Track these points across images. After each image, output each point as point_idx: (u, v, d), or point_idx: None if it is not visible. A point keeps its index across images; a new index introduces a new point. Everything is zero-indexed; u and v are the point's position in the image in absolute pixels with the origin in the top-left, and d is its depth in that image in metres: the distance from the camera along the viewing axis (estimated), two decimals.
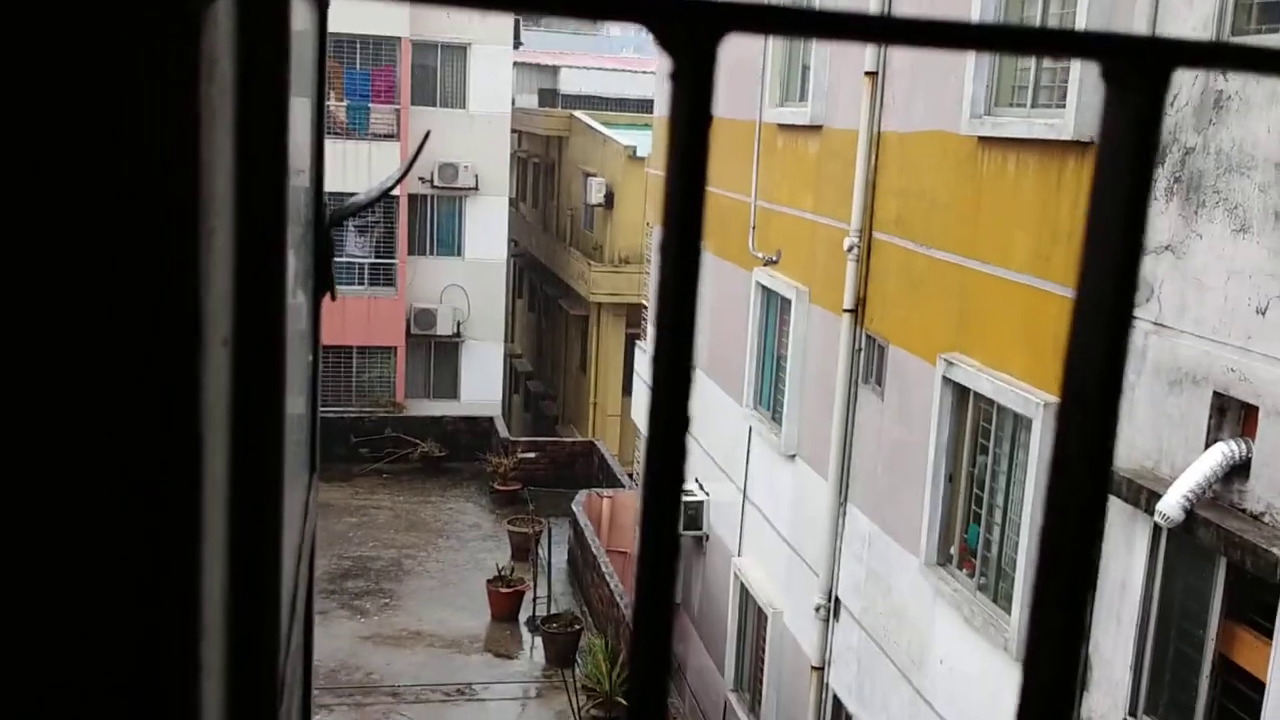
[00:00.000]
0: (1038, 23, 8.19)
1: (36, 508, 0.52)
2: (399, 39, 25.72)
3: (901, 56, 10.02)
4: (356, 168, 25.07)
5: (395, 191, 25.37)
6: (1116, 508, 7.00)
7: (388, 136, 25.71)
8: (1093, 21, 7.31)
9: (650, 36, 0.41)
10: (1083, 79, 7.38)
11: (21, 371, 0.51)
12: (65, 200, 0.49)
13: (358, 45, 25.73)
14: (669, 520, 0.45)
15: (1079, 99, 7.40)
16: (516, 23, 27.81)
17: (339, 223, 1.71)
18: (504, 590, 17.66)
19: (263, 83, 0.72)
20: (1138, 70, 0.45)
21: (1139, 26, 6.90)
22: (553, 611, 17.23)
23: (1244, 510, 6.12)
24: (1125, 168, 0.45)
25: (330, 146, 27.12)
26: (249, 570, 0.83)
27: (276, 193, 0.79)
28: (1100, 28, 7.23)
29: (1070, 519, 0.47)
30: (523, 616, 17.73)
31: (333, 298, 1.66)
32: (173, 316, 0.51)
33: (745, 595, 13.36)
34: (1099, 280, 0.47)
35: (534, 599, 17.53)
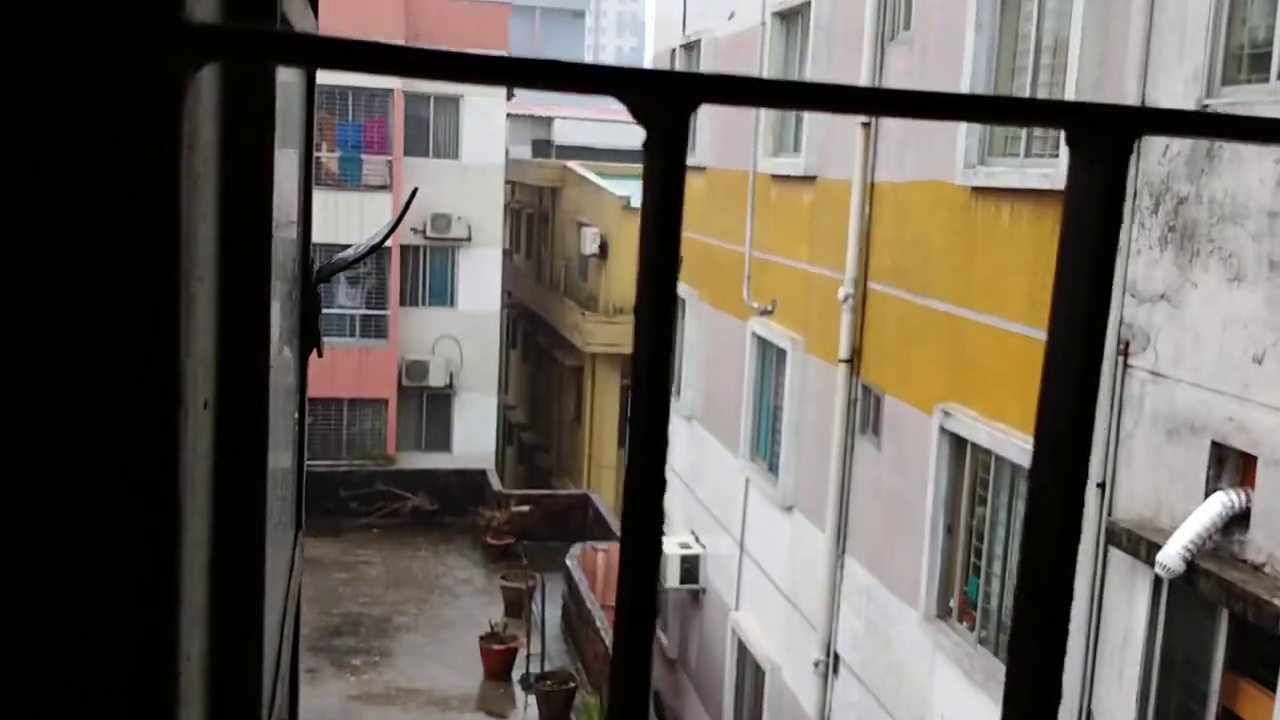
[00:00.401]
0: (1029, 75, 8.25)
1: (12, 567, 0.52)
2: (391, 90, 25.91)
3: None
4: (348, 219, 25.13)
5: (387, 243, 25.42)
6: (1117, 559, 6.93)
7: (380, 187, 25.81)
8: (1084, 74, 7.36)
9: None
10: None
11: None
12: (47, 264, 0.50)
13: (350, 96, 25.91)
14: (649, 573, 0.45)
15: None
16: None
17: (326, 279, 1.68)
18: (497, 647, 17.45)
19: (247, 149, 0.73)
20: (1101, 138, 0.47)
21: (1130, 79, 6.94)
22: (547, 669, 17.02)
23: (1245, 561, 6.06)
24: (1091, 233, 0.47)
25: (322, 197, 27.33)
26: (231, 633, 0.81)
27: (260, 257, 0.80)
28: (1092, 80, 7.28)
29: (1046, 562, 0.49)
30: (516, 674, 17.51)
31: (319, 354, 1.62)
32: (152, 381, 0.52)
33: (743, 650, 13.20)
34: (1067, 341, 0.48)
35: (527, 656, 17.32)
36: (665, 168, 0.41)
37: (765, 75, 12.71)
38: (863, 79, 10.35)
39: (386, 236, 2.10)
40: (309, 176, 1.70)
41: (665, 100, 0.41)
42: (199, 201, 0.60)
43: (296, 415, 1.60)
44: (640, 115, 0.41)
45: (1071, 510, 0.49)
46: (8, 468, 0.51)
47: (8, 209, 0.49)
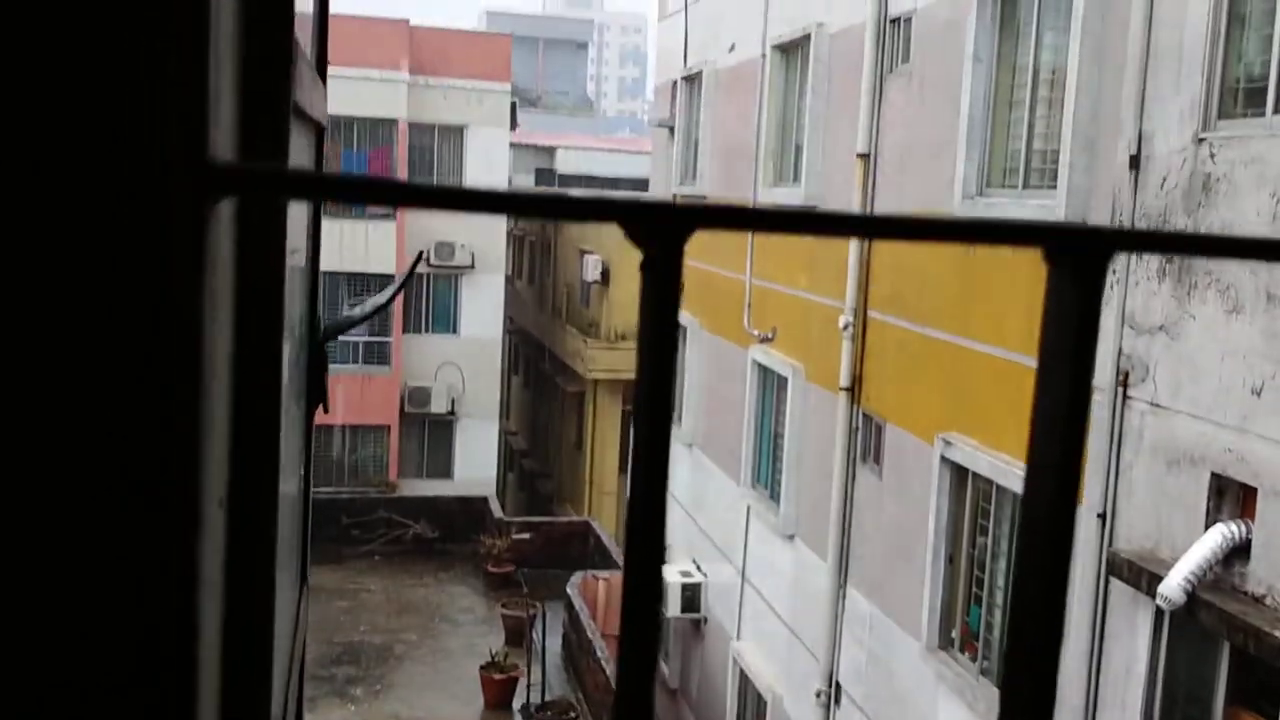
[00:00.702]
0: (1027, 108, 8.30)
1: (33, 661, 0.54)
2: (396, 121, 26.05)
3: (893, 138, 10.15)
4: (353, 247, 25.22)
5: (391, 270, 25.49)
6: (1118, 590, 6.93)
7: (384, 216, 25.91)
8: (1081, 106, 7.41)
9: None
10: (1073, 161, 7.46)
11: (26, 530, 0.53)
12: (80, 384, 0.53)
13: (355, 126, 26.05)
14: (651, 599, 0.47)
15: (1070, 180, 7.47)
16: (513, 104, 28.20)
17: (332, 337, 1.71)
18: (497, 676, 17.38)
19: (260, 259, 0.76)
20: (1079, 257, 0.49)
21: (1126, 111, 6.99)
22: (547, 699, 16.95)
23: (1245, 592, 6.06)
24: (1070, 344, 0.49)
25: (327, 225, 27.26)
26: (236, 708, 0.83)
27: (271, 357, 0.82)
28: (1088, 112, 7.34)
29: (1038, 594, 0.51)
30: (516, 704, 17.43)
31: (325, 410, 1.64)
32: (171, 491, 0.54)
33: (744, 680, 13.16)
34: (1047, 450, 0.50)
35: (528, 685, 17.25)
36: (661, 290, 0.44)
37: (765, 108, 12.79)
38: (862, 112, 10.42)
39: (392, 299, 2.14)
40: (318, 230, 1.73)
41: (661, 227, 0.44)
42: (217, 316, 0.64)
43: (302, 473, 1.62)
44: (638, 239, 0.44)
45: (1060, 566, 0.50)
46: (28, 572, 0.53)
47: (47, 326, 0.52)
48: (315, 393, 1.65)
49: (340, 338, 26.16)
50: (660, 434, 0.44)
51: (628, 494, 0.45)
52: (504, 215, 0.44)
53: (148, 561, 0.53)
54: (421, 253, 3.64)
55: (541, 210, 0.45)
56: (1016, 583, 0.53)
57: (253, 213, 0.76)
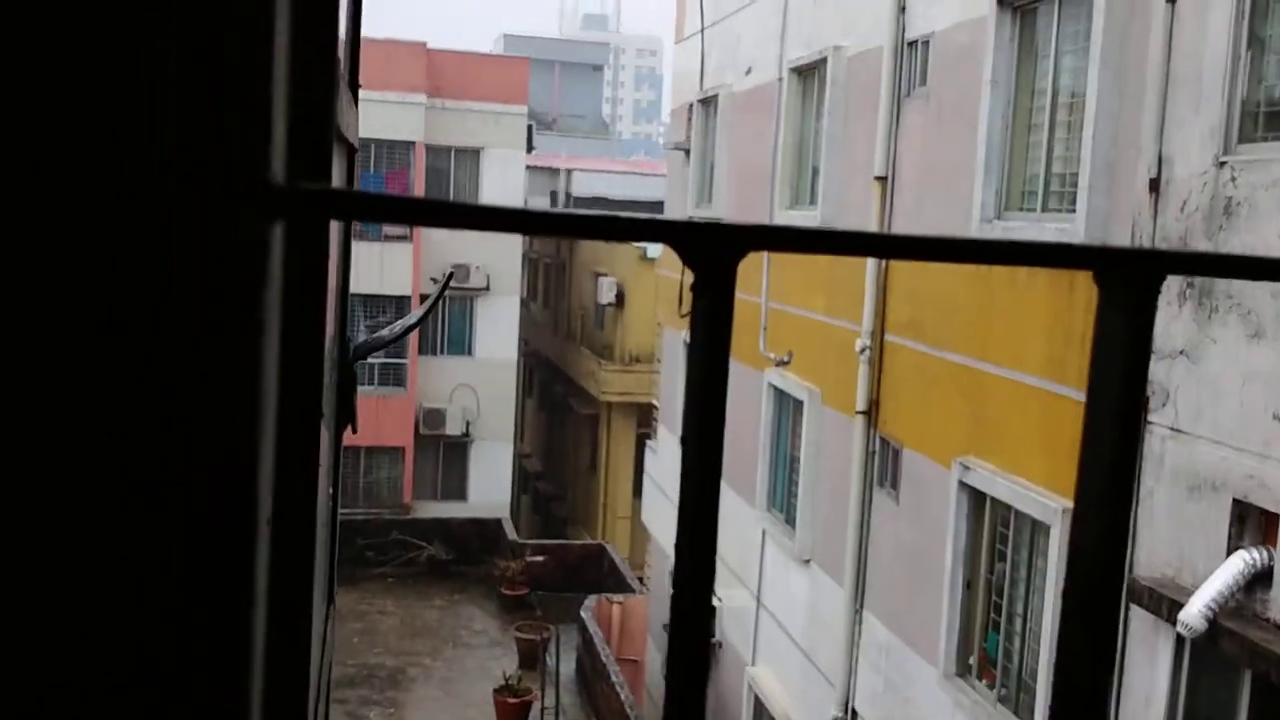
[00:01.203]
0: (1046, 131, 8.28)
1: (83, 670, 0.54)
2: (413, 143, 26.19)
3: (911, 161, 10.13)
4: (369, 269, 25.30)
5: (407, 291, 25.56)
6: (1139, 617, 6.85)
7: (400, 239, 26.01)
8: (1100, 130, 7.39)
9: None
10: (1092, 184, 7.43)
11: (82, 545, 0.54)
12: (139, 402, 0.54)
13: (372, 148, 26.20)
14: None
15: (1089, 202, 7.44)
16: (529, 127, 28.32)
17: (362, 357, 1.70)
18: (511, 700, 17.31)
19: (306, 275, 0.77)
20: (1130, 279, 0.49)
21: (1146, 135, 6.96)
22: None
23: (1268, 620, 5.99)
24: (1120, 369, 0.49)
25: None
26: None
27: (314, 376, 0.84)
28: (1108, 136, 7.31)
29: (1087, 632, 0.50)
30: None
31: (354, 430, 1.63)
32: (234, 500, 0.55)
33: (759, 706, 13.06)
34: (1097, 477, 0.50)
35: (541, 709, 17.17)
36: (713, 309, 0.44)
37: (782, 130, 12.80)
38: (879, 135, 10.42)
39: (424, 318, 2.14)
40: (348, 252, 1.73)
41: (715, 248, 0.44)
42: (269, 331, 0.64)
43: (332, 491, 1.62)
44: (690, 260, 0.44)
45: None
46: (88, 570, 0.53)
47: (111, 347, 0.53)
48: (344, 413, 1.64)
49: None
50: (712, 458, 0.42)
51: (676, 526, 0.44)
52: (557, 236, 0.43)
53: (209, 580, 0.54)
54: (452, 272, 3.65)
55: (594, 231, 0.44)
56: (1065, 613, 0.51)
57: (299, 233, 0.77)
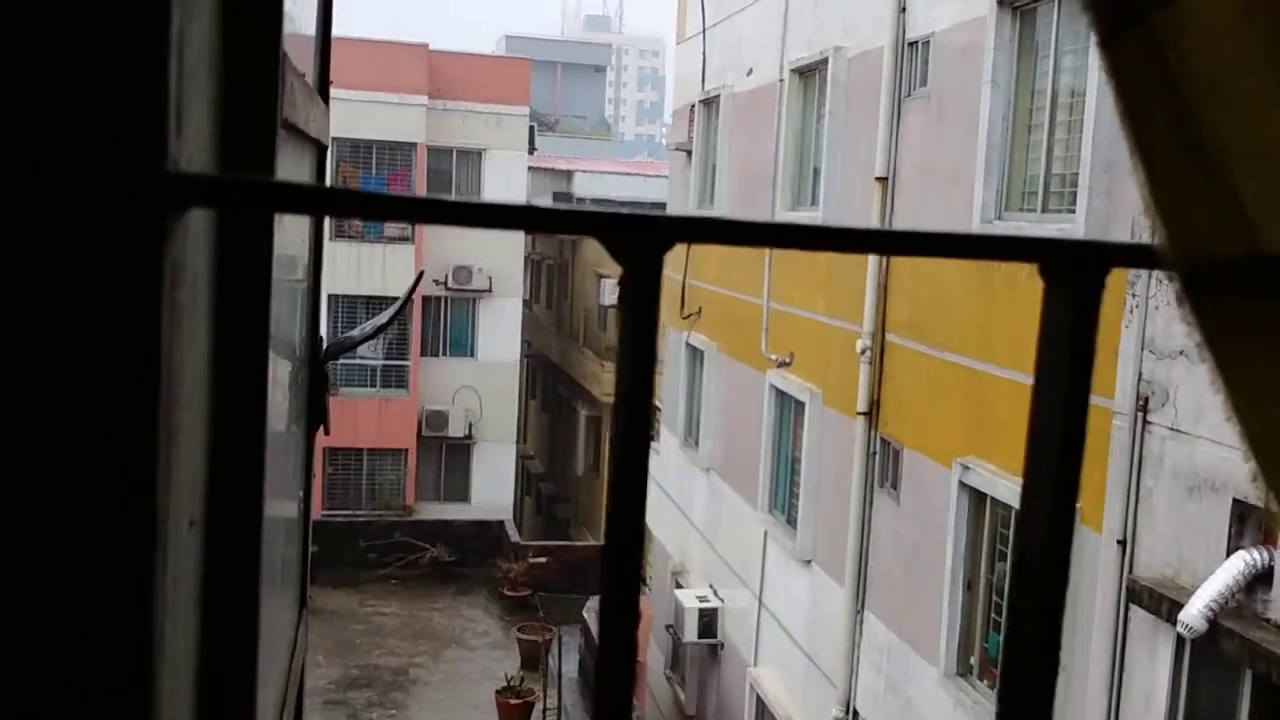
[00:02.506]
0: (1046, 131, 8.28)
1: None
2: (415, 144, 26.20)
3: (911, 162, 10.14)
4: (370, 271, 25.34)
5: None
6: (1139, 617, 6.85)
7: (402, 239, 26.03)
8: (1100, 128, 7.38)
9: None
10: (1092, 184, 7.43)
11: None
12: (30, 398, 0.52)
13: (374, 150, 26.22)
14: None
15: (1090, 203, 7.44)
16: (531, 128, 28.33)
17: (334, 358, 1.70)
18: (513, 701, 17.32)
19: (243, 272, 0.76)
20: (1075, 271, 0.49)
21: None
22: None
23: (1268, 620, 5.98)
24: (1067, 361, 0.49)
25: (345, 249, 27.32)
26: None
27: (257, 372, 0.82)
28: (1108, 135, 7.31)
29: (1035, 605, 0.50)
30: None
31: (326, 432, 1.63)
32: (128, 509, 0.53)
33: (761, 707, 13.06)
34: (1043, 470, 0.50)
35: (544, 710, 17.18)
36: (639, 300, 0.43)
37: (783, 131, 12.81)
38: (880, 135, 10.42)
39: (393, 319, 2.13)
40: (320, 248, 1.72)
41: (641, 240, 0.43)
42: (186, 331, 0.63)
43: (302, 494, 1.61)
44: (618, 253, 0.43)
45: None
46: None
47: None
48: (315, 414, 1.64)
49: (359, 361, 26.28)
50: (638, 447, 0.42)
51: (605, 510, 0.44)
52: (472, 227, 0.43)
53: (106, 582, 0.52)
54: (422, 272, 3.66)
55: (518, 222, 0.44)
56: (1011, 604, 0.51)
57: (234, 227, 0.75)
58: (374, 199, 0.44)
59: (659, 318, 0.43)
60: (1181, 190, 0.47)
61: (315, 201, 0.45)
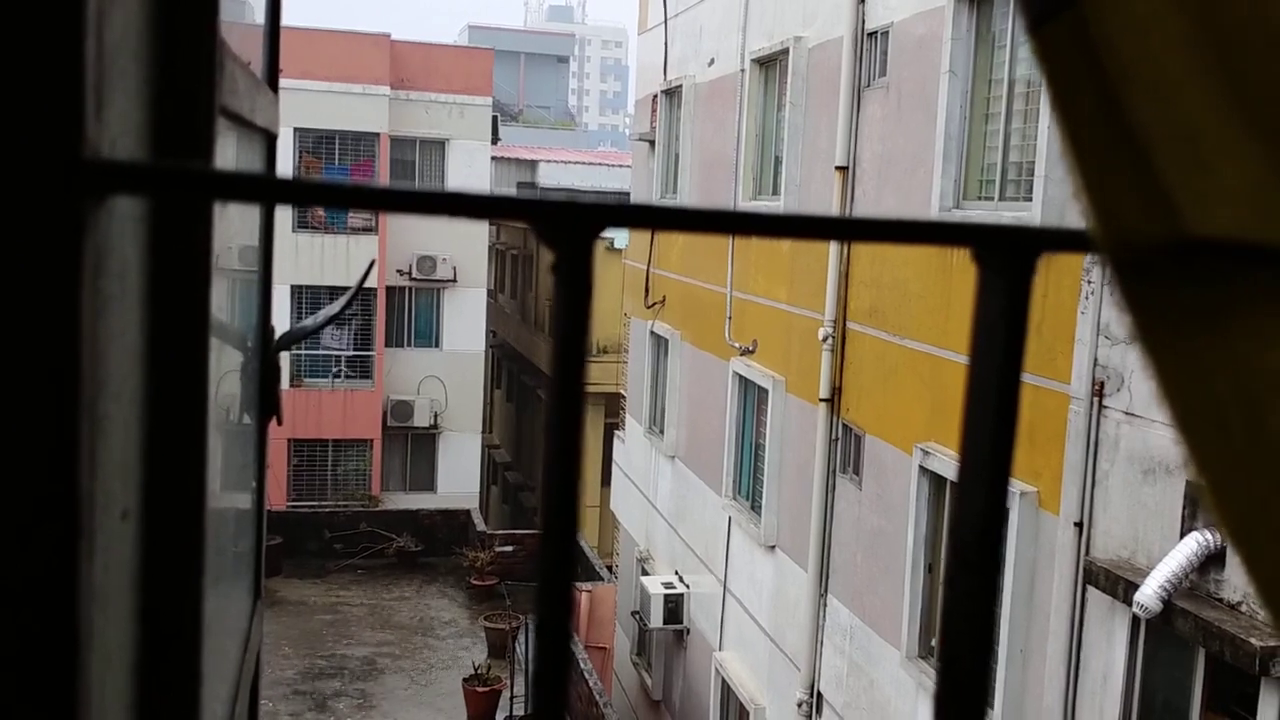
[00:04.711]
0: (1003, 120, 8.37)
1: None
2: (378, 134, 26.04)
3: (871, 151, 10.21)
4: (335, 261, 25.18)
5: (373, 285, 25.46)
6: (1095, 598, 6.97)
7: (365, 230, 25.88)
8: (1055, 130, 7.46)
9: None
10: (1048, 173, 7.53)
11: None
12: None
13: (337, 140, 26.03)
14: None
15: (1045, 191, 7.54)
16: (494, 118, 28.22)
17: (287, 347, 1.72)
18: (480, 689, 17.33)
19: (177, 259, 0.75)
20: (1007, 256, 0.49)
21: None
22: (530, 711, 16.89)
23: (1221, 600, 6.11)
24: (999, 344, 0.49)
25: (309, 240, 27.02)
26: None
27: (195, 374, 0.81)
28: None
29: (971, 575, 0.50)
30: (500, 716, 17.38)
31: (279, 422, 1.66)
32: (51, 498, 0.52)
33: (727, 690, 13.16)
34: (978, 447, 0.50)
35: (511, 698, 17.21)
36: (571, 284, 0.45)
37: (744, 121, 12.86)
38: (840, 125, 10.49)
39: (345, 308, 2.15)
40: (270, 237, 1.74)
41: (568, 225, 0.44)
42: (113, 320, 0.61)
43: (255, 484, 1.62)
44: (547, 238, 0.45)
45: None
46: None
47: None
48: (268, 404, 1.66)
49: (323, 352, 26.12)
50: (571, 430, 0.45)
51: (540, 498, 0.47)
52: (407, 214, 0.45)
53: (25, 567, 0.52)
54: (373, 262, 3.65)
55: (447, 208, 0.45)
56: (948, 579, 0.52)
57: (167, 215, 0.74)
58: (300, 185, 0.45)
59: (591, 299, 0.45)
60: (1108, 174, 0.47)
61: (240, 189, 0.46)
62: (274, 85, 1.72)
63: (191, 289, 0.78)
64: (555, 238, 0.44)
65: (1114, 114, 0.46)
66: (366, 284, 25.02)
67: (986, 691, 0.51)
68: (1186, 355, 0.48)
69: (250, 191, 0.46)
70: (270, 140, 1.70)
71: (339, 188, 0.46)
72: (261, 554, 1.77)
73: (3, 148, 0.49)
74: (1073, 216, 7.33)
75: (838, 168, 10.50)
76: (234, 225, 1.27)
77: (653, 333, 16.15)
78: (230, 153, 1.18)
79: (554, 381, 0.46)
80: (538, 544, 0.47)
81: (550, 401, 0.47)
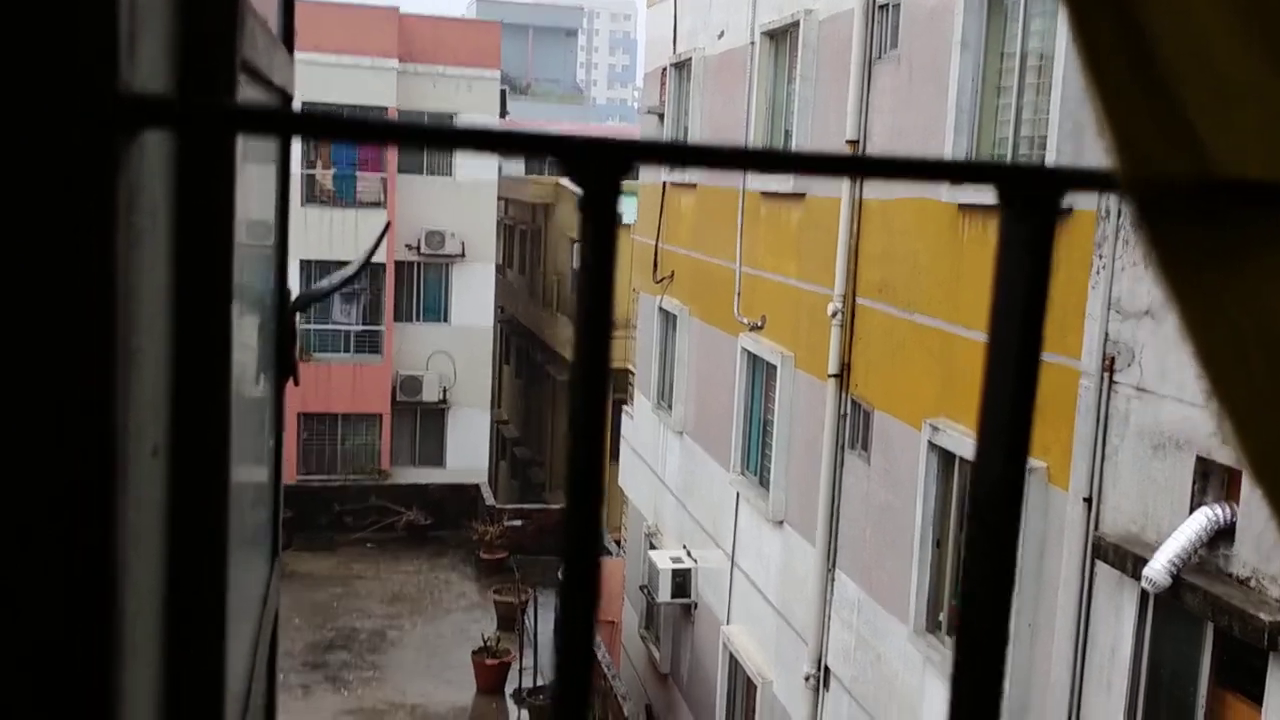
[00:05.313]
0: (1015, 93, 8.32)
1: None
2: (386, 109, 25.97)
3: (882, 124, 10.16)
4: (344, 235, 25.18)
5: (383, 259, 25.45)
6: (1104, 572, 6.97)
7: (374, 204, 25.86)
8: (1068, 90, 7.42)
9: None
10: (1060, 146, 7.48)
11: None
12: None
13: (344, 114, 25.93)
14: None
15: (1057, 164, 7.48)
16: (503, 92, 28.13)
17: (302, 309, 1.72)
18: (490, 661, 17.44)
19: (204, 198, 0.75)
20: (1031, 196, 0.48)
21: None
22: (539, 683, 17.02)
23: (1230, 575, 6.10)
24: (1022, 287, 0.48)
25: (318, 214, 27.05)
26: (187, 689, 0.81)
27: (221, 298, 0.81)
28: (1075, 96, 7.35)
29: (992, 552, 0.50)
30: (509, 688, 17.49)
31: (295, 383, 1.65)
32: (87, 434, 0.52)
33: (734, 664, 13.21)
34: (1001, 398, 0.50)
35: (520, 670, 17.31)
36: (599, 221, 0.45)
37: (754, 94, 12.78)
38: (851, 97, 10.43)
39: (361, 269, 2.15)
40: (286, 200, 1.73)
41: (598, 162, 0.44)
42: (143, 256, 0.62)
43: (273, 443, 1.63)
44: (576, 176, 0.45)
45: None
46: None
47: None
48: (284, 365, 1.66)
49: (333, 327, 26.15)
50: (599, 370, 0.44)
51: (566, 459, 0.46)
52: (433, 149, 0.45)
53: (63, 497, 0.52)
54: (388, 223, 3.64)
55: (473, 143, 0.44)
56: (969, 542, 0.52)
57: (192, 151, 0.75)
58: (328, 121, 0.45)
59: (617, 239, 0.44)
60: (1130, 106, 0.46)
61: (266, 122, 0.46)
62: (289, 47, 1.72)
63: (217, 226, 0.78)
64: (584, 175, 0.44)
65: (1135, 41, 0.45)
66: (375, 258, 25.01)
67: (1004, 658, 0.51)
68: (1208, 293, 0.48)
69: (272, 124, 0.46)
70: (286, 100, 1.69)
71: (367, 123, 0.46)
72: (279, 516, 1.78)
73: (41, 81, 0.50)
74: (1083, 199, 7.29)
75: (848, 141, 10.45)
76: (251, 187, 1.27)
77: (661, 308, 16.13)
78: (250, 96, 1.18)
79: (581, 320, 0.46)
80: (564, 483, 0.46)
81: (578, 341, 0.46)
